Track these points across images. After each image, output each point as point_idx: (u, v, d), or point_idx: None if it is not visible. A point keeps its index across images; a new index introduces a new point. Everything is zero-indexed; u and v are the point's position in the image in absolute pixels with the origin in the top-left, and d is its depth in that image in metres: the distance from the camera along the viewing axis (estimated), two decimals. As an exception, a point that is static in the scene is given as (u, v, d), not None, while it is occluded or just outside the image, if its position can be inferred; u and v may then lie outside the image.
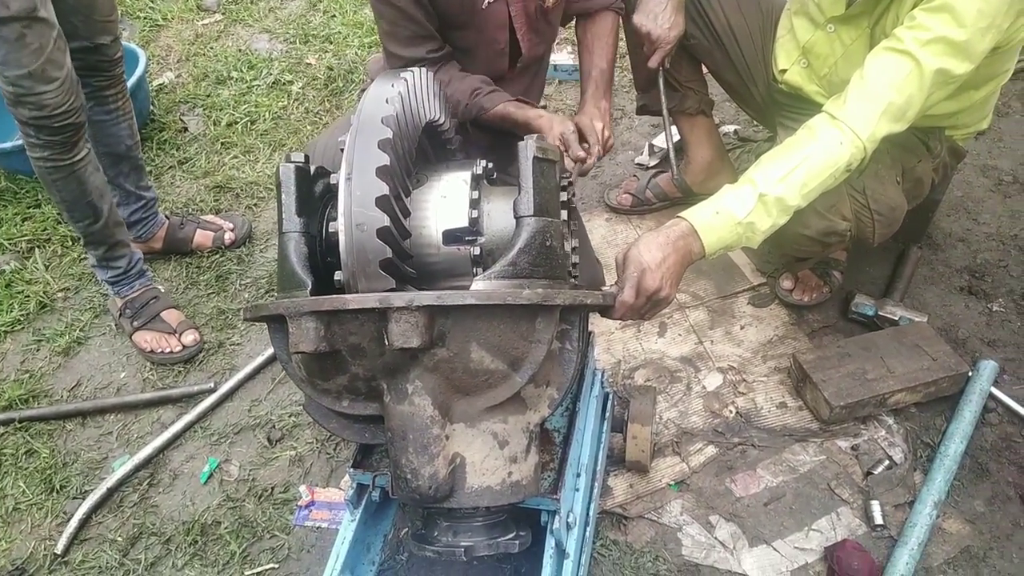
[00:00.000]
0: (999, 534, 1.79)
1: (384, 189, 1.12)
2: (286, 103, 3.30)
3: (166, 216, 2.67)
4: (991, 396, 2.00)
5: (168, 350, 2.35)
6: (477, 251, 1.25)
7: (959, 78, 1.62)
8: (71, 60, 2.00)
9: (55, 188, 2.13)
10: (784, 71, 2.05)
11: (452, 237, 1.27)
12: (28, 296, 2.59)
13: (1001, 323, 2.22)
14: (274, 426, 2.16)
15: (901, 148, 1.93)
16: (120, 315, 2.41)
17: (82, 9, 2.11)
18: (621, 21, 2.07)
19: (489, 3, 1.79)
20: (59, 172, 2.09)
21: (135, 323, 2.38)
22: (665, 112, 2.22)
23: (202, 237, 2.67)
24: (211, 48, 3.67)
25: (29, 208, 2.92)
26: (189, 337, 2.36)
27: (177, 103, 3.36)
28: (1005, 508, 1.83)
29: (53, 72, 1.92)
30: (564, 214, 1.32)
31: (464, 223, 1.26)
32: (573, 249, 1.39)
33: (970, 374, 2.01)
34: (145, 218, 2.58)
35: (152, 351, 2.36)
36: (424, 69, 1.38)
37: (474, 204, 1.27)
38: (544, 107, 2.21)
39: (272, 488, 2.02)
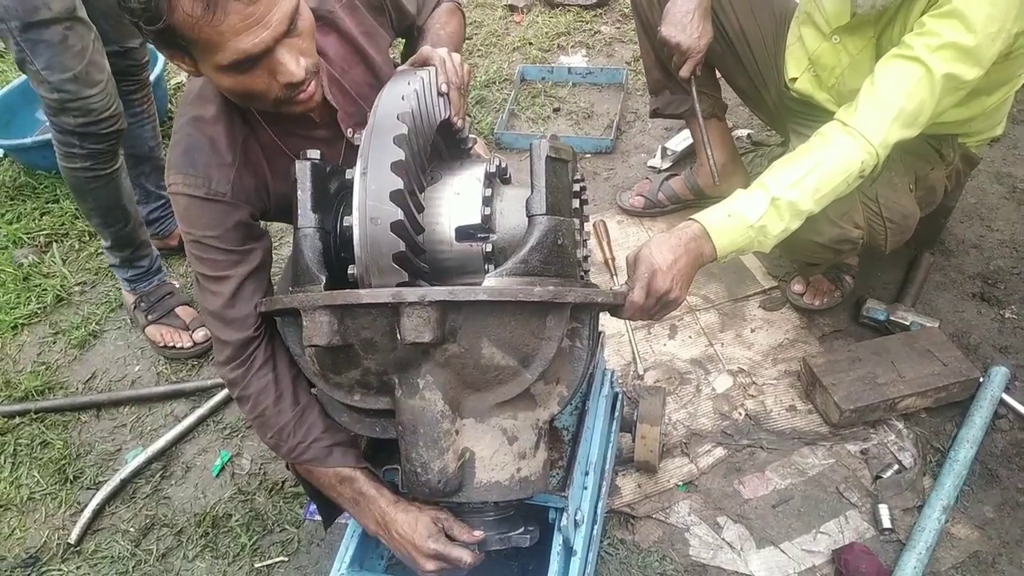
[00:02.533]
0: (1008, 540, 1.78)
1: (399, 183, 1.13)
2: (302, 102, 3.32)
3: (182, 213, 2.70)
4: (1002, 402, 2.00)
5: (180, 345, 2.37)
6: (489, 248, 1.26)
7: (969, 83, 1.62)
8: None
9: (91, 196, 2.12)
10: (795, 79, 2.05)
11: (464, 234, 1.28)
12: (45, 289, 2.63)
13: (1013, 330, 2.21)
14: (285, 421, 2.18)
15: (914, 156, 1.93)
16: (134, 308, 2.44)
17: (111, 13, 2.08)
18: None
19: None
20: (98, 182, 2.08)
21: (149, 316, 2.41)
22: (700, 119, 2.19)
23: (216, 234, 2.69)
24: (228, 47, 3.70)
25: (47, 203, 2.96)
26: (200, 334, 2.38)
27: (194, 101, 3.38)
28: (1015, 514, 1.82)
29: (96, 75, 1.89)
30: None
31: (477, 220, 1.26)
32: (585, 258, 1.40)
33: (981, 380, 2.01)
34: (163, 216, 2.62)
35: (164, 345, 2.38)
36: (437, 70, 1.38)
37: (487, 202, 1.27)
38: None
39: (283, 482, 2.04)
